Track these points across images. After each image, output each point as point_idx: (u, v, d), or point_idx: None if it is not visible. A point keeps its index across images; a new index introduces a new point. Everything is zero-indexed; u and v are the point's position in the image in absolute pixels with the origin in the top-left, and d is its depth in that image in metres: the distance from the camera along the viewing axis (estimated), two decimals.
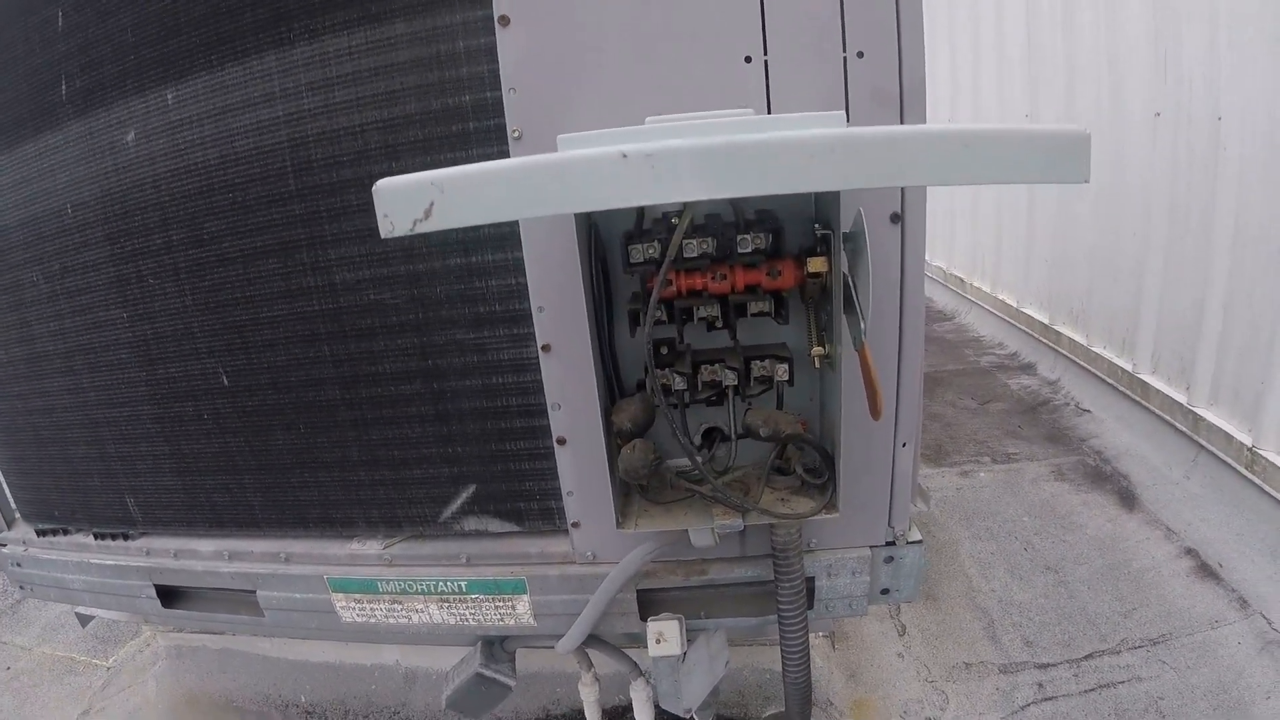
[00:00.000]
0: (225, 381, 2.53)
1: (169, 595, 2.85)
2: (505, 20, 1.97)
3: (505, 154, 2.03)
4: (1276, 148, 4.38)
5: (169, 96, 2.32)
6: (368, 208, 2.20)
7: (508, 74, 1.99)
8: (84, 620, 3.81)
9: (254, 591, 2.66)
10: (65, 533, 3.05)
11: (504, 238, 2.09)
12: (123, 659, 4.47)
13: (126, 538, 2.90)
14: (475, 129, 2.09)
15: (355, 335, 2.32)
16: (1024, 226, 7.96)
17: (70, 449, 2.87)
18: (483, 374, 2.25)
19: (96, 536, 2.95)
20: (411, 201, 0.93)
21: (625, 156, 0.88)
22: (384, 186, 0.94)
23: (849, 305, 1.73)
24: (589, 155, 0.89)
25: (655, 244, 1.78)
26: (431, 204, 0.92)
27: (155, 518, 2.85)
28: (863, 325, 1.69)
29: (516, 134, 2.00)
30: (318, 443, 2.50)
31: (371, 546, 2.55)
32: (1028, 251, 7.93)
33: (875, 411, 1.76)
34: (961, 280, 9.75)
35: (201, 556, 2.73)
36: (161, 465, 2.74)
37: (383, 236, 0.98)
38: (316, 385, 2.42)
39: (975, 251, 9.41)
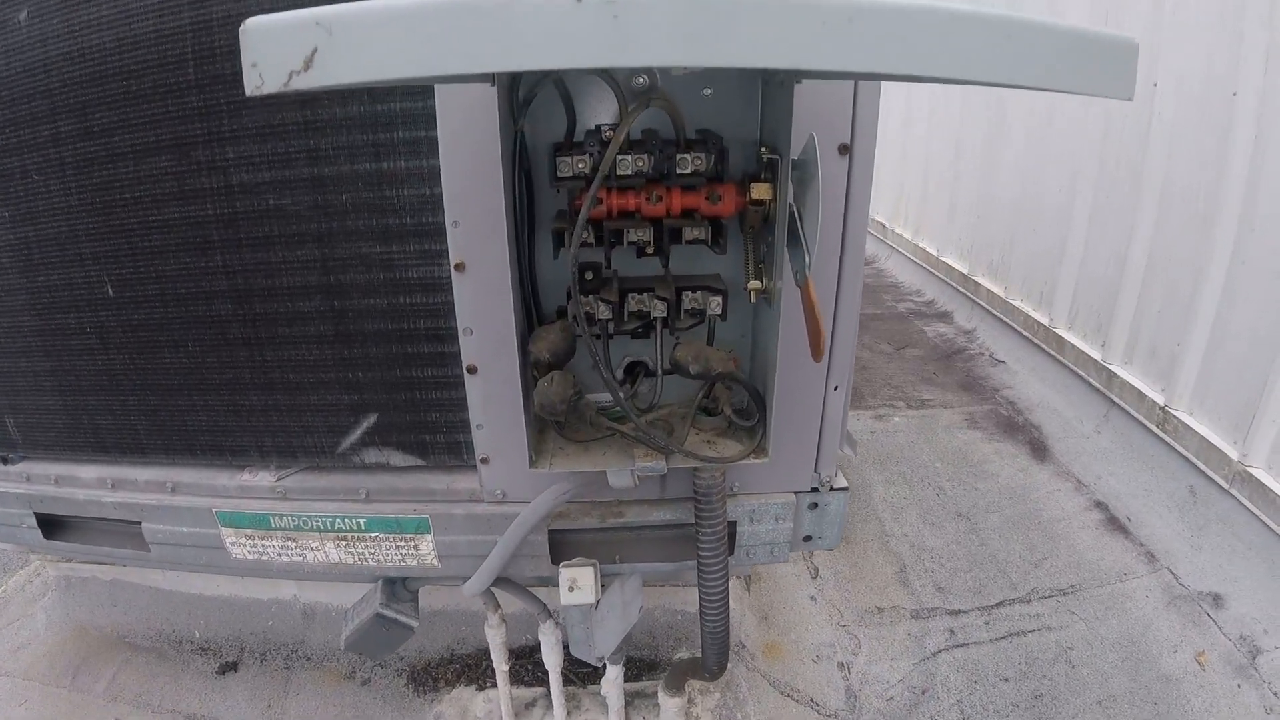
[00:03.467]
0: (110, 291, 2.31)
1: (51, 525, 2.65)
2: None
3: None
4: (1209, 119, 4.39)
5: None
6: (270, 103, 2.02)
7: None
8: None
9: (139, 523, 2.47)
10: None
11: (418, 142, 1.90)
12: (10, 590, 4.23)
13: (5, 461, 2.67)
14: None
15: (251, 244, 2.11)
16: (949, 175, 7.99)
17: None
18: (389, 293, 2.06)
19: None
20: (288, 46, 0.72)
21: (579, 2, 0.68)
22: (254, 26, 0.71)
23: (793, 237, 1.60)
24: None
25: (587, 158, 1.61)
26: (314, 50, 0.71)
27: (35, 440, 2.63)
28: (807, 260, 1.55)
29: None
30: (207, 362, 2.30)
31: (264, 478, 2.37)
32: (951, 200, 7.98)
33: (816, 352, 1.63)
34: (883, 225, 9.80)
35: (84, 484, 2.54)
36: (42, 383, 2.52)
37: (248, 93, 0.75)
38: (207, 298, 2.22)
39: (899, 197, 9.45)
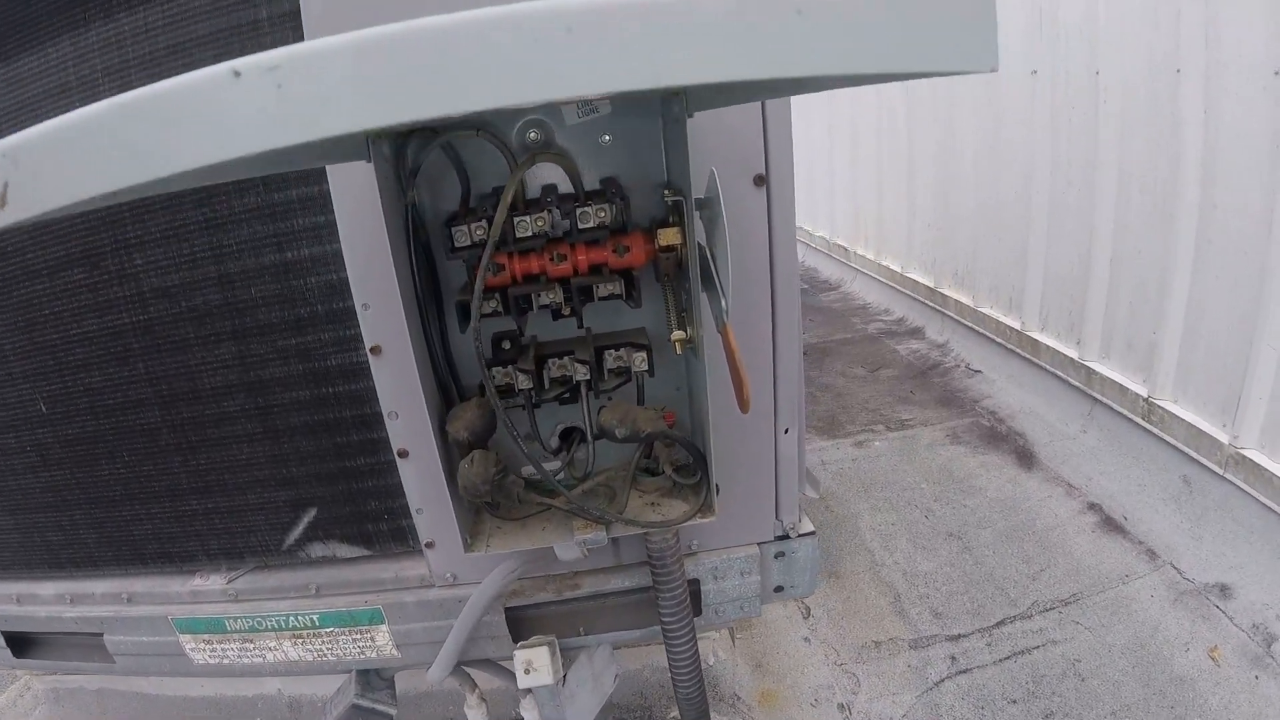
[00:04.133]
0: (44, 409, 2.26)
1: (19, 643, 2.61)
2: None
3: None
4: (1157, 101, 4.37)
5: None
6: (170, 204, 1.97)
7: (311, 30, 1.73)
8: None
9: (101, 635, 2.42)
10: None
11: (319, 228, 1.85)
12: (3, 705, 4.16)
13: None
14: None
15: (170, 348, 2.08)
16: (905, 191, 8.00)
17: None
18: (311, 383, 2.00)
19: None
20: None
21: (238, 76, 0.60)
22: None
23: (708, 281, 1.53)
24: (188, 82, 0.60)
25: (483, 224, 1.54)
26: (5, 185, 0.64)
27: None
28: (724, 304, 1.48)
29: None
30: (144, 471, 2.25)
31: (215, 581, 2.31)
32: (910, 216, 7.97)
33: (743, 403, 1.55)
34: (845, 249, 9.78)
35: (44, 601, 2.49)
36: None
37: None
38: (135, 407, 2.17)
39: (857, 219, 9.47)
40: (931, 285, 7.55)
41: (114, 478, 2.28)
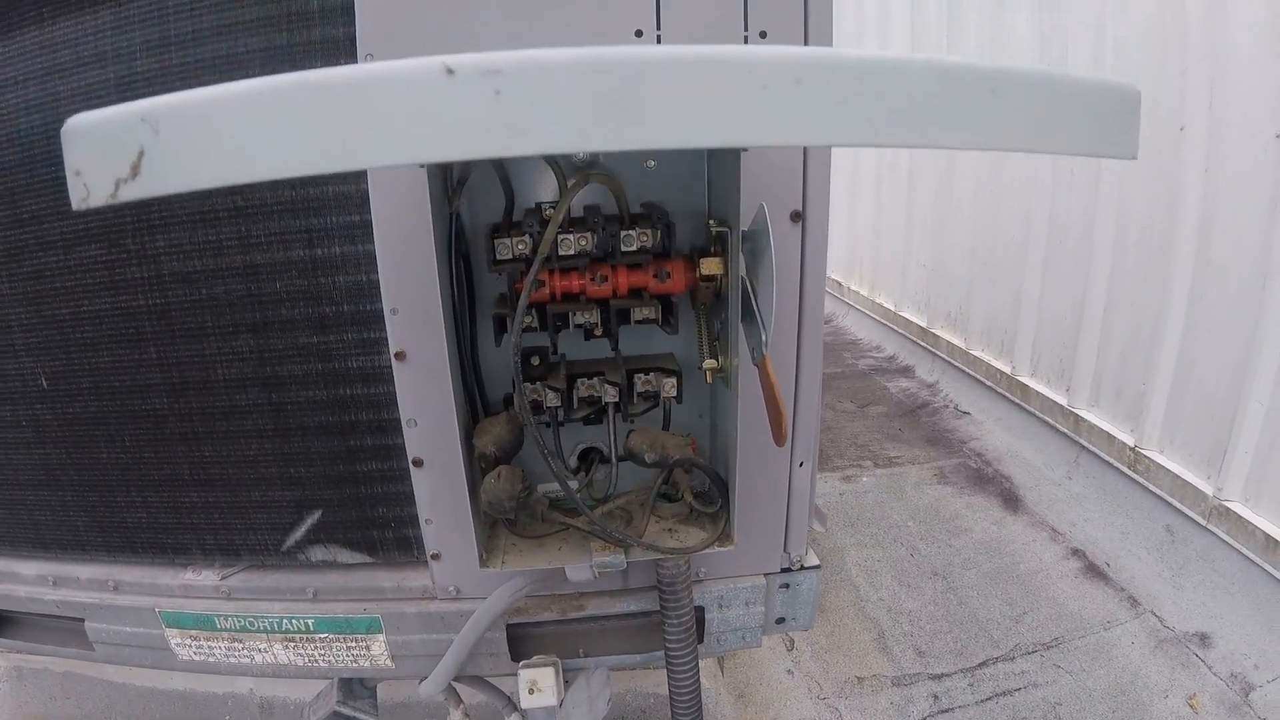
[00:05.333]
0: (44, 384, 2.21)
1: None
2: None
3: None
4: (1159, 155, 4.44)
5: None
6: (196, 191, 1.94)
7: (363, 40, 1.72)
8: None
9: (82, 621, 2.36)
10: None
11: (353, 227, 1.82)
12: None
13: None
14: None
15: (185, 336, 2.03)
16: (902, 230, 8.06)
17: None
18: (328, 384, 1.96)
19: None
20: (111, 149, 0.59)
21: (451, 73, 0.55)
22: (74, 128, 0.58)
23: (748, 313, 1.52)
24: (395, 71, 0.56)
25: (526, 238, 1.54)
26: (141, 152, 0.59)
27: None
28: (764, 337, 1.47)
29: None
30: (144, 458, 2.19)
31: (207, 576, 2.26)
32: (905, 255, 8.03)
33: (779, 436, 1.54)
34: (839, 283, 9.85)
35: (24, 581, 2.43)
36: None
37: (75, 207, 0.62)
38: (142, 392, 2.11)
39: (852, 254, 9.52)
40: (924, 325, 7.61)
41: (112, 461, 2.23)
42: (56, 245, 2.05)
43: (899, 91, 0.59)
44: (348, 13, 1.73)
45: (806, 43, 1.77)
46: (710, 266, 1.56)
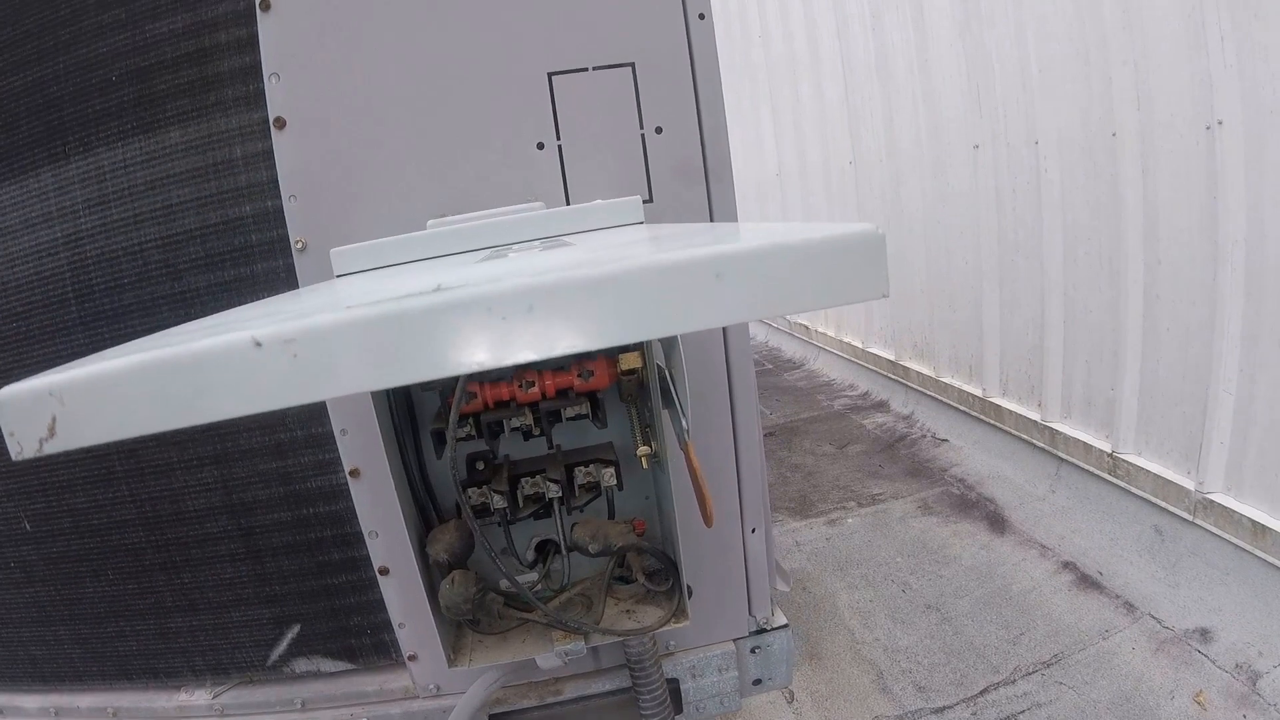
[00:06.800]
0: (28, 527, 2.29)
1: None
2: (281, 123, 1.82)
3: (291, 267, 1.86)
4: (1095, 164, 4.56)
5: None
6: (150, 332, 2.04)
7: (286, 180, 1.83)
8: None
9: None
10: None
11: None
12: None
13: None
14: (258, 241, 1.93)
15: (153, 472, 2.12)
16: None
17: None
18: (291, 505, 2.06)
19: None
20: (32, 416, 0.73)
21: (259, 346, 0.69)
22: (5, 397, 0.72)
23: (668, 401, 1.61)
24: (216, 347, 0.69)
25: None
26: (53, 419, 0.72)
27: None
28: (684, 423, 1.56)
29: (300, 245, 1.84)
30: (128, 589, 2.28)
31: (200, 696, 2.32)
32: None
33: (707, 518, 1.62)
34: (806, 327, 9.93)
35: (28, 714, 2.48)
36: None
37: (13, 458, 0.77)
38: (120, 528, 2.21)
39: None
40: (893, 359, 7.68)
41: (99, 595, 2.30)
42: None
43: (626, 299, 0.70)
44: (268, 157, 1.84)
45: (702, 134, 1.89)
46: (629, 361, 1.64)
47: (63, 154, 2.04)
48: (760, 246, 0.72)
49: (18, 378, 2.07)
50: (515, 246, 1.49)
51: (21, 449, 0.74)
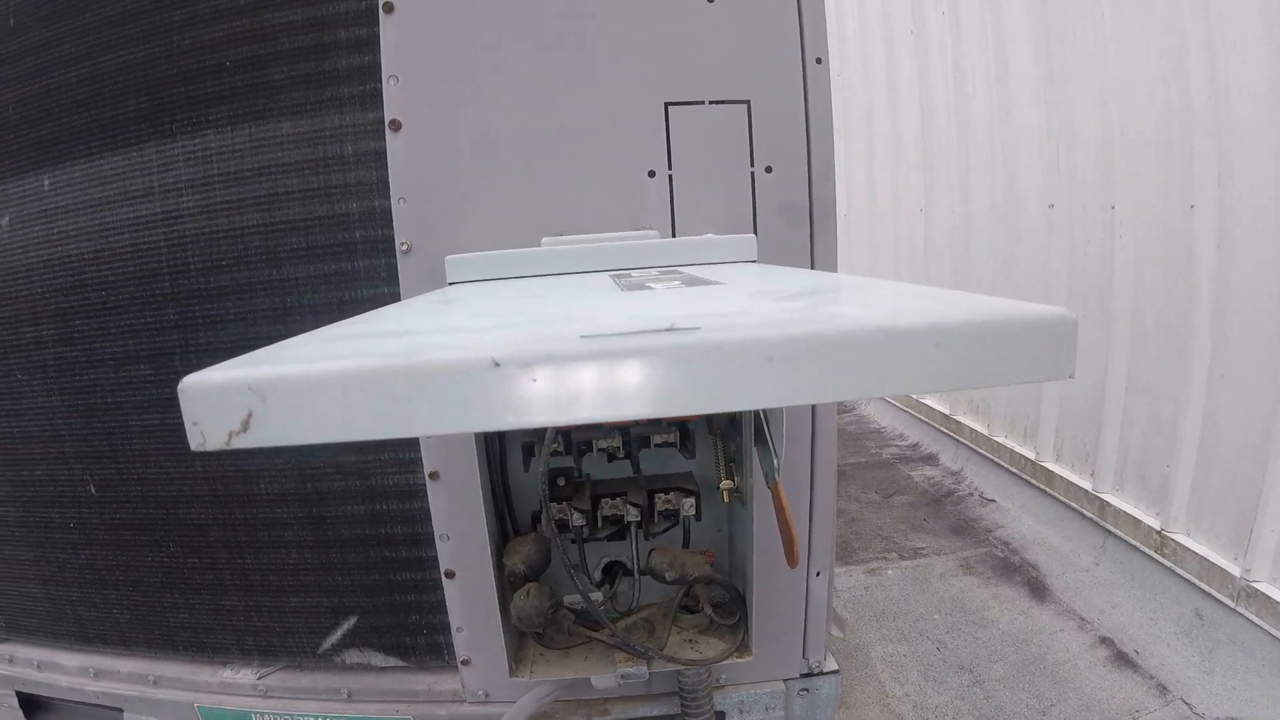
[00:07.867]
0: (93, 490, 2.34)
1: (32, 705, 2.65)
2: (396, 125, 1.86)
3: (393, 267, 1.89)
4: (1170, 235, 4.50)
5: (45, 183, 2.18)
6: (244, 316, 2.08)
7: (397, 182, 1.86)
8: None
9: (121, 711, 2.45)
10: None
11: None
12: None
13: None
14: (362, 239, 1.96)
15: (231, 452, 2.13)
16: None
17: None
18: (366, 500, 2.08)
19: None
20: (223, 409, 0.72)
21: (498, 366, 0.68)
22: (191, 386, 0.71)
23: (760, 439, 1.61)
24: (452, 362, 0.69)
25: None
26: (249, 414, 0.72)
27: (18, 625, 2.64)
28: (775, 462, 1.56)
29: (405, 247, 1.87)
30: (188, 563, 2.31)
31: (245, 675, 2.35)
32: None
33: (791, 558, 1.62)
34: None
35: (66, 671, 2.53)
36: (25, 571, 2.55)
37: (193, 448, 0.76)
38: (188, 502, 2.24)
39: None
40: (946, 412, 7.59)
41: (157, 565, 2.34)
42: (107, 363, 2.19)
43: (854, 359, 0.70)
44: (379, 157, 1.88)
45: (810, 177, 1.90)
46: None
47: (169, 132, 2.08)
48: (971, 321, 0.72)
49: (101, 346, 2.12)
50: (634, 273, 1.50)
51: (205, 440, 0.74)
